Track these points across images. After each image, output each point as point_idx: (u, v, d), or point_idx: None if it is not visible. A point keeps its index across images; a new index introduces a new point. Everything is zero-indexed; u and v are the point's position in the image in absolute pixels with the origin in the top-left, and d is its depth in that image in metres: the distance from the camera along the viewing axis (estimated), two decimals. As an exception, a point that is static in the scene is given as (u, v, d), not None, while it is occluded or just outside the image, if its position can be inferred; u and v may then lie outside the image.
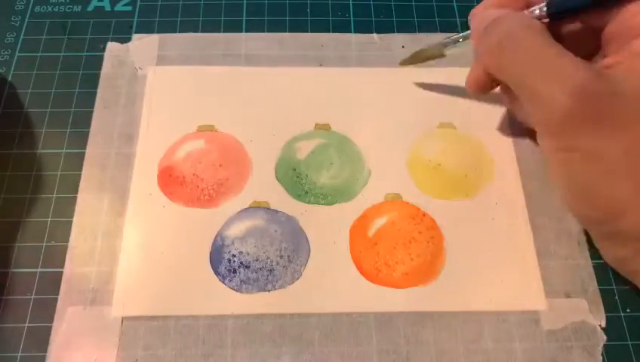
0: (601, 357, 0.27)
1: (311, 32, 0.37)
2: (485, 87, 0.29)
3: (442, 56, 0.32)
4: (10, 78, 0.34)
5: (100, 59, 0.35)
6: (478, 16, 0.28)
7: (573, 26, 0.26)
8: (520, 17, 0.26)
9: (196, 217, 0.30)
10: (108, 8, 0.37)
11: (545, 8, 0.26)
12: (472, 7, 0.29)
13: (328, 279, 0.28)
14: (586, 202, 0.25)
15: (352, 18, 0.37)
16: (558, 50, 0.24)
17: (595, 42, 0.26)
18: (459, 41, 0.31)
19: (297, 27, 0.37)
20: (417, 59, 0.33)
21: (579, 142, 0.23)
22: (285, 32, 0.37)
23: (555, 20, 0.26)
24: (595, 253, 0.30)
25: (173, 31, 0.36)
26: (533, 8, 0.26)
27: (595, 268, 0.29)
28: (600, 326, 0.28)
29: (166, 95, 0.34)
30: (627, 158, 0.22)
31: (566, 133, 0.23)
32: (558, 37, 0.26)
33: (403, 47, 0.36)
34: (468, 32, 0.30)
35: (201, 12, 0.37)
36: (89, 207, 0.30)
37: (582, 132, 0.23)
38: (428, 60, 0.33)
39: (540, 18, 0.26)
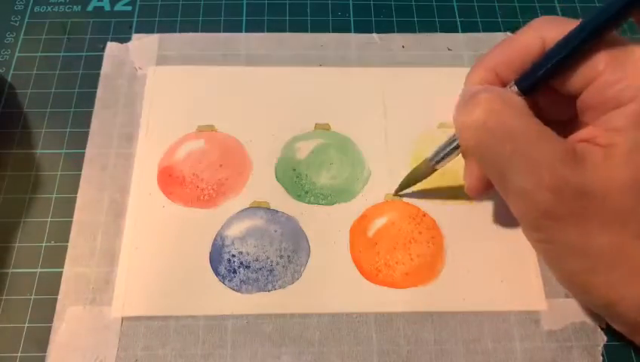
0: (601, 357, 0.27)
1: (311, 32, 0.37)
2: (487, 185, 0.27)
3: (434, 170, 0.29)
4: (9, 78, 0.34)
5: (100, 59, 0.35)
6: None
7: (550, 96, 0.25)
8: (500, 93, 0.24)
9: (196, 217, 0.30)
10: (108, 8, 0.37)
11: (514, 87, 0.25)
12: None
13: (328, 279, 0.28)
14: (577, 289, 0.25)
15: (352, 18, 0.37)
16: (538, 133, 0.22)
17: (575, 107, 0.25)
18: (448, 154, 0.28)
19: (297, 27, 0.37)
20: (409, 183, 0.30)
21: (562, 236, 0.23)
22: (285, 32, 0.37)
23: (529, 94, 0.24)
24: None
25: (173, 31, 0.36)
26: (508, 86, 0.25)
27: (595, 268, 0.29)
28: (600, 326, 0.28)
29: (166, 95, 0.34)
30: (612, 252, 0.22)
31: (548, 227, 0.23)
32: (537, 107, 0.25)
33: (403, 47, 0.36)
34: (454, 143, 0.27)
35: (201, 12, 0.37)
36: (89, 207, 0.30)
37: (564, 227, 0.22)
38: (419, 180, 0.30)
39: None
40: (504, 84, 0.25)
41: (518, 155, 0.22)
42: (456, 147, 0.27)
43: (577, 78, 0.23)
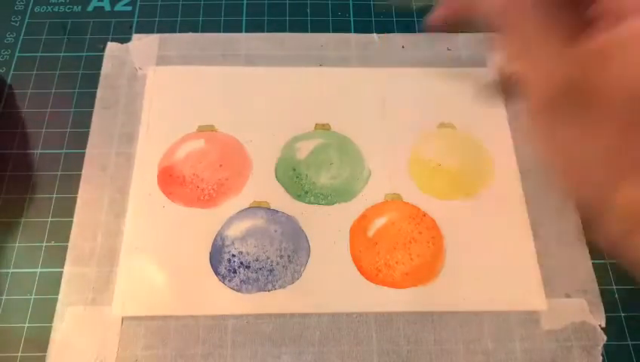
0: (601, 357, 0.27)
1: (311, 32, 0.37)
2: (455, 27, 0.26)
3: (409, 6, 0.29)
4: (10, 78, 0.34)
5: (100, 59, 0.35)
6: None
7: None
8: None
9: (196, 217, 0.30)
10: (108, 8, 0.37)
11: None
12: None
13: (328, 279, 0.28)
14: (579, 179, 0.24)
15: (352, 18, 0.37)
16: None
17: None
18: None
19: (297, 27, 0.37)
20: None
21: (567, 125, 0.22)
22: (285, 32, 0.37)
23: None
24: (595, 253, 0.30)
25: (173, 31, 0.36)
26: None
27: (595, 268, 0.29)
28: (600, 326, 0.28)
29: (166, 95, 0.34)
30: (620, 137, 0.21)
31: (555, 117, 0.23)
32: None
33: (403, 47, 0.36)
34: None
35: (201, 12, 0.37)
36: (89, 207, 0.30)
37: (569, 118, 0.22)
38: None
39: None
40: None
41: (535, 42, 0.21)
42: None
43: None
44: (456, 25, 0.26)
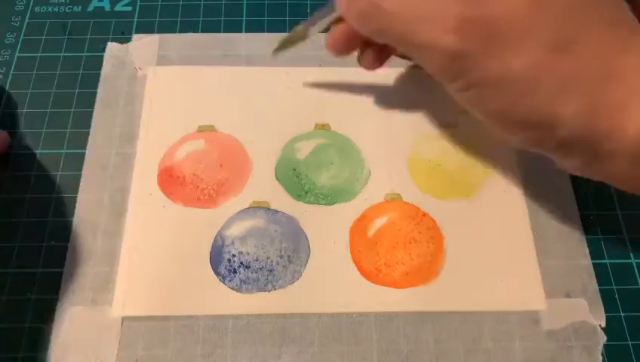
0: (601, 357, 0.27)
1: (311, 32, 0.37)
2: (353, 48, 0.28)
3: (306, 37, 0.30)
4: (10, 78, 0.34)
5: (100, 59, 0.35)
6: None
7: None
8: None
9: (196, 217, 0.30)
10: (108, 8, 0.37)
11: None
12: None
13: (328, 279, 0.28)
14: (513, 126, 0.24)
15: (352, 18, 0.37)
16: None
17: None
18: (322, 19, 0.28)
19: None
20: (286, 44, 0.31)
21: (479, 75, 0.22)
22: (285, 32, 0.37)
23: None
24: (595, 253, 0.30)
25: (173, 31, 0.36)
26: None
27: (595, 268, 0.29)
28: (600, 326, 0.28)
29: (166, 95, 0.34)
30: (533, 72, 0.22)
31: (464, 72, 0.23)
32: None
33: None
34: (328, 8, 0.27)
35: (201, 12, 0.37)
36: (89, 207, 0.30)
37: (478, 64, 0.22)
38: (296, 44, 0.31)
39: None
40: None
41: (416, 18, 0.22)
42: (329, 12, 0.27)
43: None
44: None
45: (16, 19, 0.37)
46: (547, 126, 0.22)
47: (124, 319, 0.27)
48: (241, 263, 0.29)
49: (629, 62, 0.21)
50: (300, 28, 0.29)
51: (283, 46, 0.31)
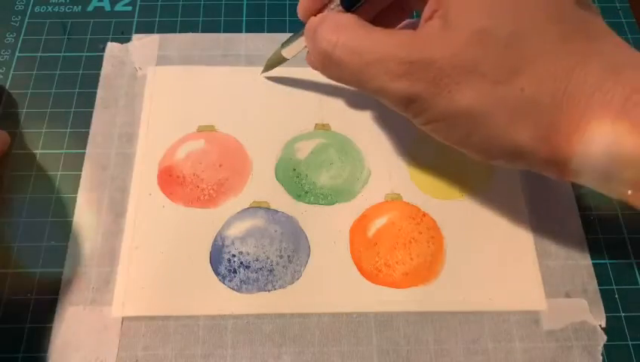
0: (601, 357, 0.27)
1: (311, 32, 0.37)
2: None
3: (284, 59, 0.31)
4: (10, 78, 0.34)
5: (100, 59, 0.35)
6: (301, 13, 0.28)
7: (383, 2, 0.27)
8: (331, 22, 0.25)
9: (196, 217, 0.30)
10: (108, 8, 0.37)
11: (340, 6, 0.26)
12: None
13: (328, 279, 0.28)
14: (479, 154, 0.24)
15: (352, 18, 0.37)
16: (375, 37, 0.23)
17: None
18: (293, 42, 0.30)
19: (297, 27, 0.37)
20: (271, 66, 0.33)
21: (433, 114, 0.23)
22: (285, 32, 0.37)
23: (355, 6, 0.25)
24: (595, 253, 0.30)
25: (173, 31, 0.36)
26: (334, 5, 0.26)
27: (595, 268, 0.29)
28: (600, 326, 0.28)
29: (166, 95, 0.34)
30: (482, 105, 0.22)
31: (419, 111, 0.23)
32: (376, 17, 0.27)
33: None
34: (300, 33, 0.29)
35: (201, 12, 0.37)
36: (89, 207, 0.30)
37: (430, 105, 0.23)
38: (281, 63, 0.32)
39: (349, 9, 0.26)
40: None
41: (364, 65, 0.23)
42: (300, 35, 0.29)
43: None
44: None
45: (16, 19, 0.37)
46: (510, 152, 0.23)
47: (124, 319, 0.27)
48: (241, 263, 0.29)
49: (590, 74, 0.21)
50: (280, 50, 0.31)
51: (268, 68, 0.33)
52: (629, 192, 0.22)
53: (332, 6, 0.26)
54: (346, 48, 0.24)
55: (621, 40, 0.22)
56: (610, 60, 0.21)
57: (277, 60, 0.32)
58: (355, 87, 0.25)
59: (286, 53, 0.31)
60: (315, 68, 0.27)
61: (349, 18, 0.24)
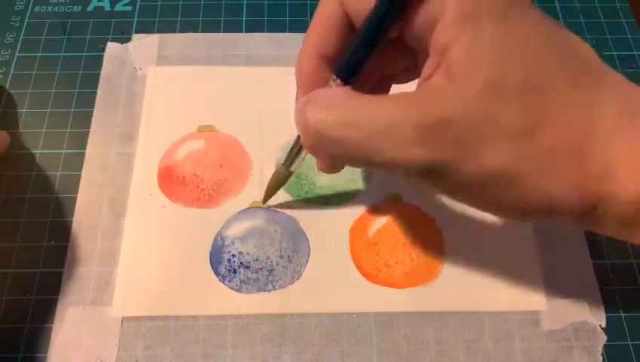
0: (601, 357, 0.27)
1: (311, 32, 0.37)
2: (341, 166, 0.27)
3: (291, 173, 0.28)
4: (10, 78, 0.34)
5: (100, 59, 0.35)
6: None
7: (389, 54, 0.24)
8: (323, 100, 0.22)
9: (196, 217, 0.30)
10: (108, 8, 0.37)
11: (337, 80, 0.23)
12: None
13: (328, 279, 0.28)
14: (512, 215, 0.23)
15: (352, 18, 0.37)
16: (376, 108, 0.21)
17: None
18: (297, 155, 0.26)
19: (297, 27, 0.37)
20: (273, 190, 0.30)
21: (457, 180, 0.21)
22: (285, 32, 0.37)
23: (354, 77, 0.23)
24: (595, 253, 0.30)
25: (173, 31, 0.36)
26: (331, 82, 0.23)
27: (595, 268, 0.29)
28: (600, 326, 0.28)
29: (166, 95, 0.34)
30: (510, 163, 0.20)
31: (440, 179, 0.21)
32: (377, 84, 0.25)
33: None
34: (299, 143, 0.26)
35: (201, 12, 0.37)
36: (89, 207, 0.30)
37: (453, 171, 0.20)
38: (284, 184, 0.29)
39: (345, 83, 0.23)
40: (335, 58, 0.24)
41: (366, 138, 0.21)
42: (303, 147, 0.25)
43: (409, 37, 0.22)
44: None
45: (16, 19, 0.37)
46: (546, 207, 0.21)
47: (124, 319, 0.27)
48: (241, 263, 0.29)
49: (607, 118, 0.20)
50: (281, 169, 0.28)
51: (270, 194, 0.30)
52: None
53: (330, 82, 0.23)
54: (338, 124, 0.21)
55: (621, 75, 0.21)
56: (623, 103, 0.20)
57: (281, 180, 0.29)
58: (366, 167, 0.23)
59: (294, 166, 0.27)
60: (321, 169, 0.26)
61: (340, 91, 0.22)
